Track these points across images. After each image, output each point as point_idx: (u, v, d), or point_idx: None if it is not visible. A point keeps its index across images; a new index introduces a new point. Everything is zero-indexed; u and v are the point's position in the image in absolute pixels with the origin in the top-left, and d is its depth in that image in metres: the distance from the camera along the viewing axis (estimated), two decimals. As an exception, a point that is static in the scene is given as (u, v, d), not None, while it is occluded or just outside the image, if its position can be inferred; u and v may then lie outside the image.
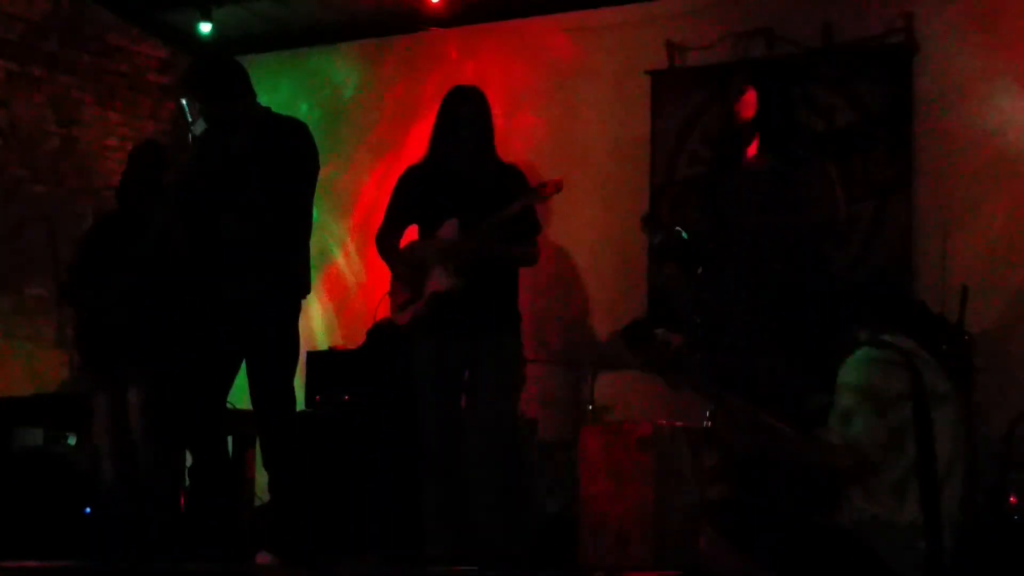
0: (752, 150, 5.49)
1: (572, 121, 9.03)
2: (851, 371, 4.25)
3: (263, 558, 6.06)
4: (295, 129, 6.24)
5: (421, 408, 6.35)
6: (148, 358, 6.80)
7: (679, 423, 6.61)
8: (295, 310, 6.25)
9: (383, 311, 7.58)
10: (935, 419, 4.16)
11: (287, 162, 6.11)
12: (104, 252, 6.96)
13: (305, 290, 6.26)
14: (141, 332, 6.82)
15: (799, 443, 4.32)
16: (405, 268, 6.38)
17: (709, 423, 7.14)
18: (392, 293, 6.42)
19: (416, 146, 9.50)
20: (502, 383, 6.23)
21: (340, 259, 9.62)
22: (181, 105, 6.36)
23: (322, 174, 6.36)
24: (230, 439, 7.01)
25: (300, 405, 6.98)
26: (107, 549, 6.72)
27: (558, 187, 6.19)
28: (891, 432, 4.13)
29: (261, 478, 6.66)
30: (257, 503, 7.51)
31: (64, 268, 7.28)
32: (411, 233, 6.58)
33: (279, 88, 9.57)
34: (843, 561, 4.14)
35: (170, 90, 9.88)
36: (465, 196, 6.27)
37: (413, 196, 6.45)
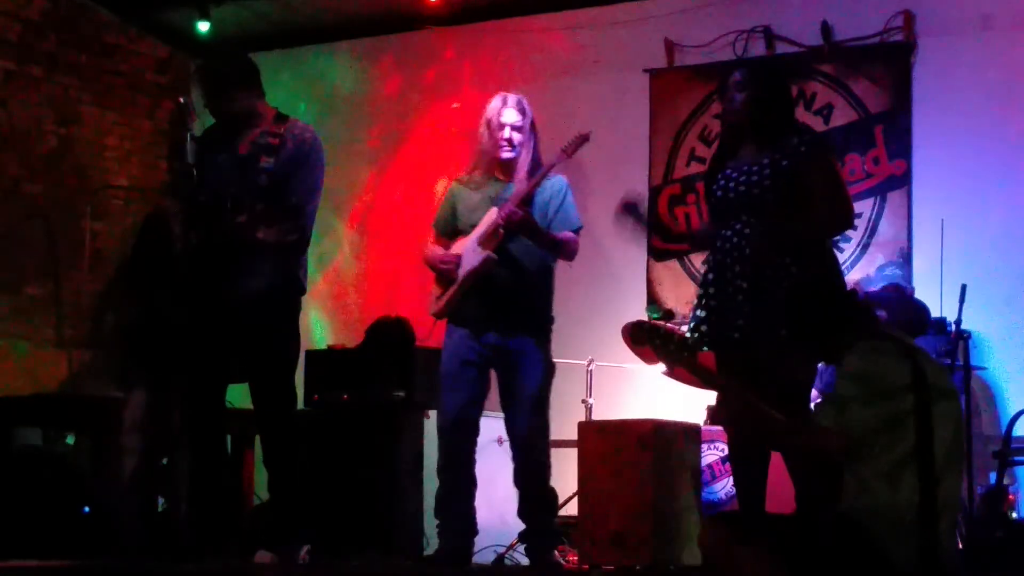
0: (750, 147, 5.48)
1: (570, 119, 8.98)
2: (852, 360, 4.27)
3: (262, 557, 6.06)
4: (305, 131, 6.24)
5: (439, 395, 6.36)
6: (182, 350, 6.68)
7: (678, 421, 6.60)
8: (294, 309, 6.25)
9: (383, 311, 7.59)
10: (935, 412, 4.18)
11: (297, 165, 6.11)
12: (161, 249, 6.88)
13: (302, 290, 6.26)
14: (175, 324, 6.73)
15: (791, 426, 4.37)
16: (444, 257, 6.37)
17: (708, 422, 7.16)
18: (436, 284, 6.43)
19: (414, 145, 9.54)
20: (530, 395, 6.24)
21: (338, 257, 9.62)
22: (180, 105, 6.35)
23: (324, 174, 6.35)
24: (229, 438, 7.01)
25: (299, 404, 6.98)
26: (121, 547, 6.70)
27: (582, 139, 6.19)
28: (887, 420, 4.15)
29: (260, 477, 6.66)
30: (256, 502, 7.50)
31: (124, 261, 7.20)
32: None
33: (277, 87, 9.51)
34: (842, 550, 4.16)
35: (168, 90, 9.88)
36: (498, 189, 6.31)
37: (453, 207, 6.46)
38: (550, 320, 6.36)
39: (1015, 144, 7.79)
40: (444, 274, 6.34)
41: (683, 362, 4.56)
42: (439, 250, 6.41)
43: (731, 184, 5.47)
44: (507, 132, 6.26)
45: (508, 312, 6.20)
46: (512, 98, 6.33)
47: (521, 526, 6.44)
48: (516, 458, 6.31)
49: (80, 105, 9.53)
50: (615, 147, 8.88)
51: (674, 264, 8.69)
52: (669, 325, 4.93)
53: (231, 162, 6.13)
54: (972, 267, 7.48)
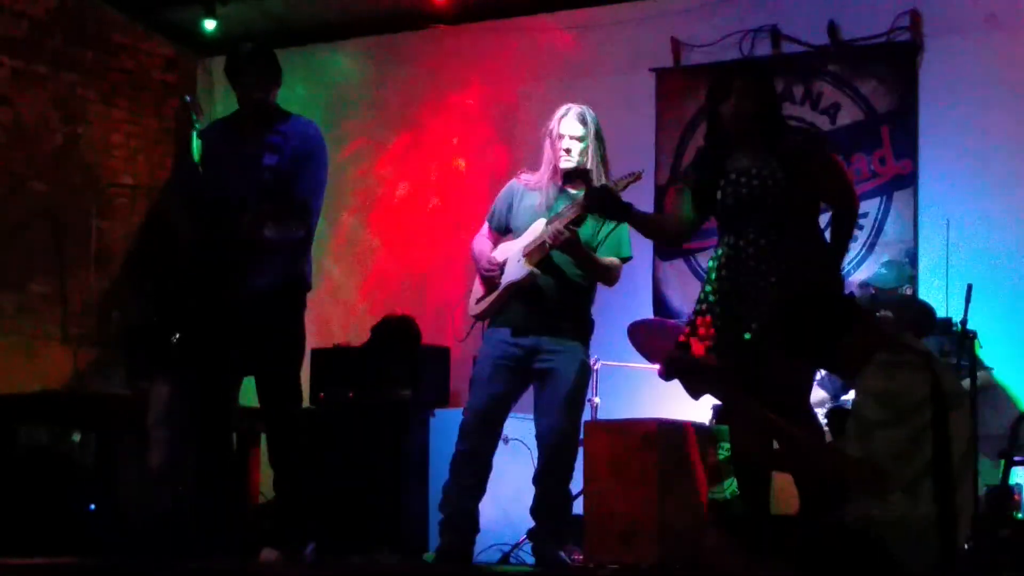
0: (747, 150, 5.46)
1: (576, 118, 9.02)
2: (873, 377, 4.21)
3: (268, 555, 6.07)
4: (309, 128, 6.25)
5: (469, 391, 6.37)
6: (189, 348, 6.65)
7: (684, 420, 6.60)
8: (300, 307, 6.25)
9: (387, 310, 7.60)
10: (951, 420, 4.15)
11: (302, 162, 6.12)
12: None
13: (307, 286, 6.27)
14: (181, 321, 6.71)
15: (817, 453, 4.34)
16: (490, 261, 6.39)
17: (714, 421, 7.15)
18: (473, 293, 6.45)
19: (421, 143, 9.54)
20: (562, 399, 6.26)
21: (347, 254, 9.61)
22: (185, 102, 6.36)
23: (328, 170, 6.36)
24: (235, 436, 7.01)
25: (305, 402, 6.98)
26: (132, 542, 6.71)
27: (635, 177, 6.18)
28: (910, 438, 4.11)
29: (266, 475, 6.66)
30: (262, 500, 7.51)
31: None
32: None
33: (283, 85, 9.53)
34: (851, 559, 4.14)
35: (174, 87, 9.88)
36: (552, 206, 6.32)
37: (509, 205, 6.48)
38: (590, 326, 6.40)
39: (1022, 144, 7.78)
40: (487, 278, 6.39)
41: (715, 391, 4.56)
42: (488, 248, 6.47)
43: (742, 189, 5.44)
44: (566, 142, 6.28)
45: (549, 318, 6.25)
46: (575, 109, 6.37)
47: (528, 524, 6.44)
48: (541, 458, 6.32)
49: (86, 103, 9.53)
50: (621, 146, 8.83)
51: (680, 264, 8.68)
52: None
53: (236, 159, 6.14)
54: (978, 267, 7.47)
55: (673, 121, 8.81)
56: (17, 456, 7.44)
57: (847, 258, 8.23)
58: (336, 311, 9.48)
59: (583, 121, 6.32)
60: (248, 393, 6.37)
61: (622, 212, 5.72)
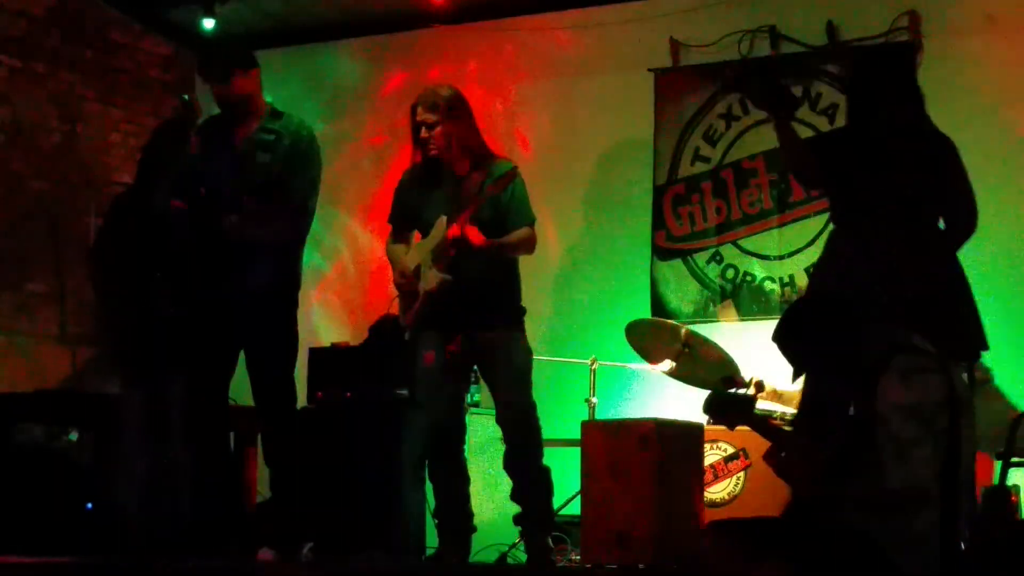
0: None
1: (574, 118, 9.02)
2: (892, 388, 4.18)
3: (265, 555, 6.07)
4: (302, 128, 6.24)
5: (422, 401, 6.36)
6: (182, 348, 6.64)
7: (681, 421, 6.60)
8: (292, 306, 6.26)
9: (394, 308, 7.59)
10: (962, 424, 4.13)
11: (294, 162, 6.12)
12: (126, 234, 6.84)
13: (298, 286, 6.28)
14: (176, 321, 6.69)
15: (863, 491, 4.30)
16: (402, 273, 6.36)
17: (711, 422, 7.16)
18: (400, 297, 6.44)
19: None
20: (515, 376, 6.25)
21: (344, 254, 9.61)
22: (183, 100, 6.36)
23: (325, 171, 6.35)
24: (232, 435, 7.01)
25: (302, 402, 6.98)
26: (126, 542, 6.70)
27: (510, 177, 6.13)
28: (937, 449, 4.08)
29: (263, 474, 6.66)
30: (258, 500, 7.50)
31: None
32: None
33: (282, 84, 9.54)
34: (851, 561, 4.13)
35: (173, 86, 9.87)
36: (449, 193, 6.25)
37: (406, 200, 6.45)
38: (521, 311, 6.35)
39: (1020, 145, 7.77)
40: (405, 289, 6.33)
41: (755, 426, 4.58)
42: (400, 255, 6.40)
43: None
44: (423, 132, 6.22)
45: (475, 313, 6.19)
46: (423, 95, 6.28)
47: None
48: (506, 440, 6.30)
49: (84, 102, 9.52)
50: (619, 146, 8.88)
51: (678, 263, 8.68)
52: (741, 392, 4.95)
53: (228, 158, 6.14)
54: (976, 268, 7.44)
55: (671, 121, 8.80)
56: (14, 455, 7.43)
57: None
58: (333, 310, 9.47)
59: (433, 107, 6.23)
60: (245, 392, 6.37)
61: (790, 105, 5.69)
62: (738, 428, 5.15)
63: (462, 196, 6.18)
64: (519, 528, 6.39)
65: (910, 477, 4.08)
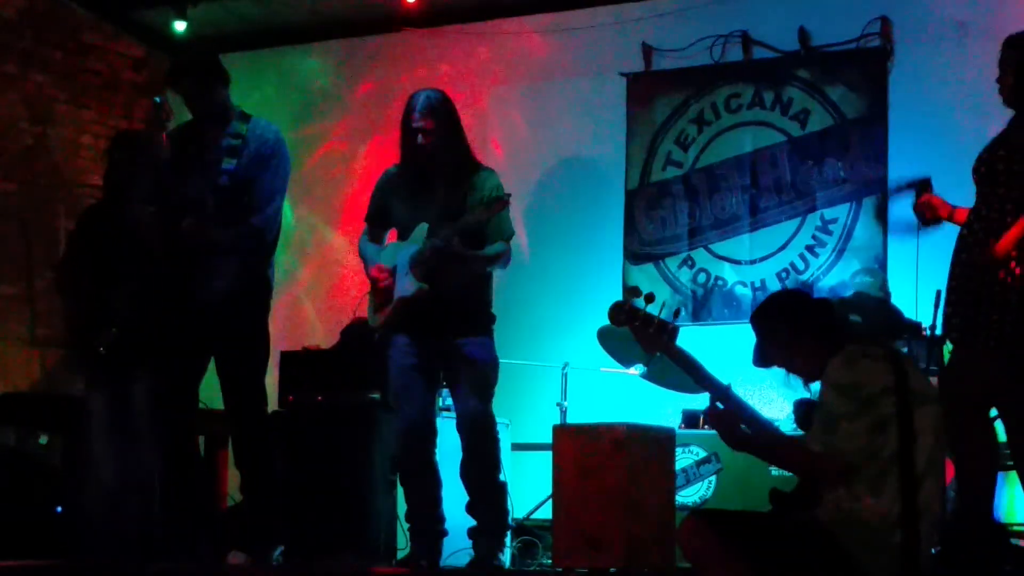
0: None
1: (547, 123, 9.03)
2: (837, 369, 4.28)
3: (235, 558, 6.05)
4: (267, 131, 6.23)
5: (394, 404, 6.35)
6: (151, 352, 6.57)
7: (653, 425, 6.61)
8: (262, 310, 6.25)
9: (362, 310, 7.57)
10: (917, 416, 4.20)
11: (259, 166, 6.11)
12: (99, 243, 6.76)
13: (269, 289, 6.27)
14: (144, 326, 6.61)
15: (783, 450, 4.39)
16: (380, 268, 6.34)
17: (683, 425, 7.16)
18: (371, 293, 6.41)
19: (391, 146, 9.52)
20: (476, 384, 6.23)
21: (316, 257, 9.59)
22: (155, 103, 6.34)
23: (297, 172, 6.34)
24: (202, 439, 6.99)
25: (273, 405, 6.96)
26: (94, 547, 6.66)
27: (503, 204, 6.12)
28: (871, 427, 4.17)
29: (234, 477, 6.63)
30: (230, 503, 7.48)
31: (59, 260, 7.15)
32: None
33: (253, 87, 9.53)
34: (817, 556, 4.17)
35: (144, 88, 9.84)
36: (434, 201, 6.24)
37: (387, 200, 6.42)
38: (491, 319, 6.34)
39: (990, 151, 7.81)
40: (380, 288, 6.31)
41: (661, 347, 4.62)
42: (374, 253, 6.39)
43: None
44: (420, 138, 6.18)
45: (448, 318, 6.17)
46: (419, 99, 6.22)
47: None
48: (464, 447, 6.28)
49: (55, 104, 9.49)
50: (592, 151, 8.89)
51: (650, 268, 8.70)
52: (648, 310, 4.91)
53: (196, 162, 6.13)
54: (947, 273, 7.48)
55: (644, 126, 8.83)
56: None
57: (816, 263, 8.31)
58: (305, 314, 9.46)
59: (430, 111, 6.21)
60: (215, 395, 6.35)
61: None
62: (710, 431, 5.15)
63: (448, 209, 6.15)
64: (471, 541, 6.37)
65: (831, 445, 4.18)
